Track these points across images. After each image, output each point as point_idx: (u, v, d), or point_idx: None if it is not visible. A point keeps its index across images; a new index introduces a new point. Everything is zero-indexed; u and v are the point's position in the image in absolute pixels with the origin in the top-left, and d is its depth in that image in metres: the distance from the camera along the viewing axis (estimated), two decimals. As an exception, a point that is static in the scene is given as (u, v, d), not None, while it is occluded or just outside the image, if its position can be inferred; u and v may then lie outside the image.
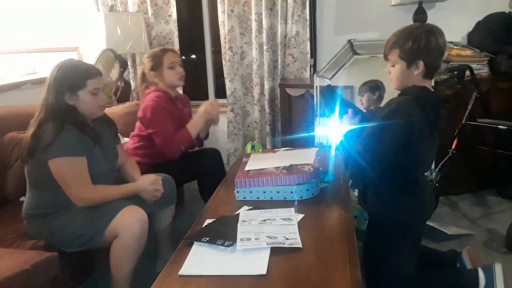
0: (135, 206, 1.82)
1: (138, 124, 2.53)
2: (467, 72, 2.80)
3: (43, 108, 1.79)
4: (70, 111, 1.81)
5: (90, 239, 1.79)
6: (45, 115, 1.77)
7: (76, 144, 1.75)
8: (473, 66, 2.86)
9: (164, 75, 2.46)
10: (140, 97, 2.62)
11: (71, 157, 1.74)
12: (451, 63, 2.95)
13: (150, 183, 1.97)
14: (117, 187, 1.92)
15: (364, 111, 2.75)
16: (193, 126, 2.44)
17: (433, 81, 2.66)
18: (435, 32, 1.57)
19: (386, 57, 1.67)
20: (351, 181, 2.11)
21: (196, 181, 2.59)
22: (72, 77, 1.80)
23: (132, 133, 2.61)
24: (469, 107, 2.75)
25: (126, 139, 2.68)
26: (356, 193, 2.33)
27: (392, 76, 1.67)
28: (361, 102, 2.81)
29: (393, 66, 1.65)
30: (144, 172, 2.31)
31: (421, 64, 1.57)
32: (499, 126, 2.60)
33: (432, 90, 1.64)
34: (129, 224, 1.74)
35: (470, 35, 3.24)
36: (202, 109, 2.48)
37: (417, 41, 1.55)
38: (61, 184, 1.76)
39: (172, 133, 2.37)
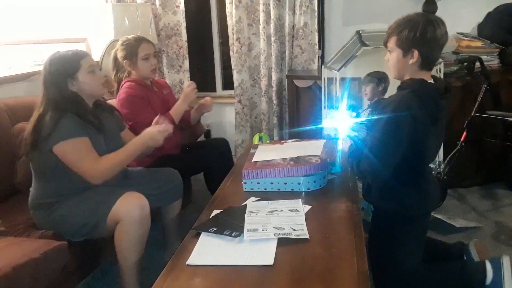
0: (134, 192, 1.83)
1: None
2: (477, 64, 2.78)
3: (44, 104, 1.80)
4: (74, 99, 1.82)
5: (93, 227, 1.80)
6: (46, 109, 1.78)
7: (76, 127, 1.77)
8: (483, 57, 2.83)
9: (138, 65, 2.38)
10: (115, 87, 2.52)
11: (73, 138, 1.75)
12: (461, 54, 2.93)
13: (151, 128, 1.92)
14: (123, 148, 1.89)
15: (368, 103, 2.76)
16: (175, 111, 2.42)
17: (442, 72, 2.67)
18: (434, 23, 1.53)
19: (385, 44, 1.66)
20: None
21: (203, 173, 2.59)
22: (65, 63, 1.82)
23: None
24: (479, 99, 2.73)
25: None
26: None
27: (390, 63, 1.66)
28: (365, 93, 2.79)
29: (391, 53, 1.64)
30: (149, 165, 2.33)
31: (416, 53, 1.55)
32: (509, 118, 2.58)
33: (432, 81, 1.62)
34: (128, 209, 1.75)
35: (481, 26, 3.20)
36: (184, 94, 2.46)
37: (413, 30, 1.53)
38: (71, 166, 1.78)
39: (151, 120, 2.30)
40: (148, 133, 1.91)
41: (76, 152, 1.77)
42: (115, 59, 2.45)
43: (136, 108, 2.30)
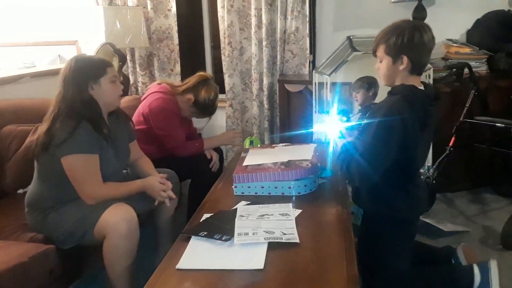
0: (122, 203, 1.78)
1: (137, 118, 2.45)
2: (466, 70, 2.81)
3: (59, 103, 1.77)
4: (90, 103, 1.79)
5: (81, 237, 1.77)
6: (61, 110, 1.75)
7: (90, 142, 1.75)
8: (472, 63, 2.86)
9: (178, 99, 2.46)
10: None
11: (84, 154, 1.73)
12: (449, 60, 2.96)
13: (158, 181, 1.92)
14: (125, 183, 1.91)
15: (359, 108, 2.78)
16: (209, 143, 2.54)
17: (431, 78, 2.70)
18: (420, 28, 1.56)
19: (374, 53, 1.68)
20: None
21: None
22: (93, 65, 1.82)
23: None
24: (467, 105, 2.76)
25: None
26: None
27: (380, 72, 1.68)
28: (355, 98, 2.81)
29: (381, 62, 1.66)
30: None
31: (405, 59, 1.57)
32: (497, 124, 2.61)
33: (422, 87, 1.64)
34: (114, 224, 1.70)
35: (470, 33, 3.24)
36: (226, 136, 2.71)
37: (400, 36, 1.55)
38: (72, 181, 1.76)
39: (183, 139, 2.41)
40: (152, 183, 1.91)
41: (83, 169, 1.75)
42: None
43: (172, 124, 2.38)
